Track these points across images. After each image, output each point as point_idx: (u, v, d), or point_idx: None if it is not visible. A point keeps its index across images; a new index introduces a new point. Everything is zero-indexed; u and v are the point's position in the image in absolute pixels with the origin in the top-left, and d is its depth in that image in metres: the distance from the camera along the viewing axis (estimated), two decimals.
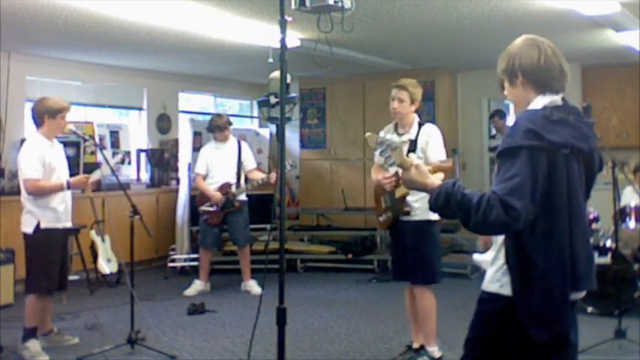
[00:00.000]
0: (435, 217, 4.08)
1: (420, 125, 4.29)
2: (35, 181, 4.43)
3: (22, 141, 5.12)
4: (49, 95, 4.79)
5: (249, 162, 6.72)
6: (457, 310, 5.30)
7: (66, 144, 5.23)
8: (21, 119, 7.10)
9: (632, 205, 5.48)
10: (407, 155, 2.76)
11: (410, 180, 2.25)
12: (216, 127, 6.66)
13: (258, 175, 6.57)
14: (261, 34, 6.00)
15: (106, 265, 6.31)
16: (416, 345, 4.38)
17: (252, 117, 10.69)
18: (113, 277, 6.67)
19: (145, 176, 8.49)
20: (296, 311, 5.67)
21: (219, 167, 6.64)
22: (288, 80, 3.00)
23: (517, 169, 2.00)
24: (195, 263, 7.24)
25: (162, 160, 8.59)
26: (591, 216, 5.42)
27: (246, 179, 6.69)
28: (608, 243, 5.44)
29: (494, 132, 8.96)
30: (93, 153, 7.43)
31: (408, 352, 4.40)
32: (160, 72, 8.64)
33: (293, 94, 3.50)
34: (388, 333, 5.13)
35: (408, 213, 4.18)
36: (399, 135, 4.24)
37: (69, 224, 4.74)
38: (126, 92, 8.51)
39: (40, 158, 4.45)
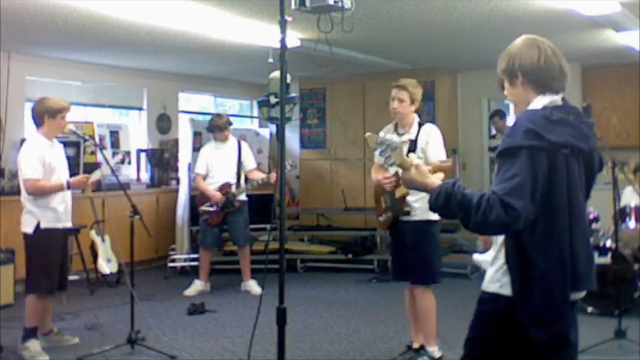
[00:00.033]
0: (435, 217, 4.08)
1: (420, 125, 4.29)
2: (35, 181, 4.44)
3: (22, 141, 5.12)
4: (49, 95, 4.79)
5: (249, 162, 6.72)
6: (457, 310, 5.31)
7: (66, 144, 5.23)
8: (21, 119, 7.10)
9: (632, 205, 5.48)
10: (407, 155, 2.76)
11: (410, 180, 2.25)
12: (217, 128, 6.66)
13: (258, 175, 6.57)
14: (261, 34, 6.00)
15: (106, 265, 6.31)
16: (416, 345, 4.38)
17: (252, 117, 10.69)
18: (113, 277, 6.67)
19: (145, 176, 8.49)
20: (296, 311, 5.67)
21: (219, 167, 6.64)
22: (288, 80, 3.00)
23: (517, 169, 2.00)
24: (195, 263, 7.24)
25: (162, 160, 8.59)
26: (591, 216, 5.42)
27: (246, 179, 6.69)
28: (608, 243, 5.44)
29: (494, 132, 8.96)
30: (93, 153, 7.43)
31: (408, 352, 4.40)
32: (160, 72, 8.64)
33: (293, 94, 3.50)
34: (388, 333, 5.13)
35: (408, 213, 4.18)
36: (399, 135, 4.25)
37: (69, 224, 4.74)
38: (126, 92, 8.51)
39: (40, 158, 4.45)
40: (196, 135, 8.08)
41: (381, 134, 2.54)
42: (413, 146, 4.20)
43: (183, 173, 7.82)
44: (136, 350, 4.58)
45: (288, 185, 9.22)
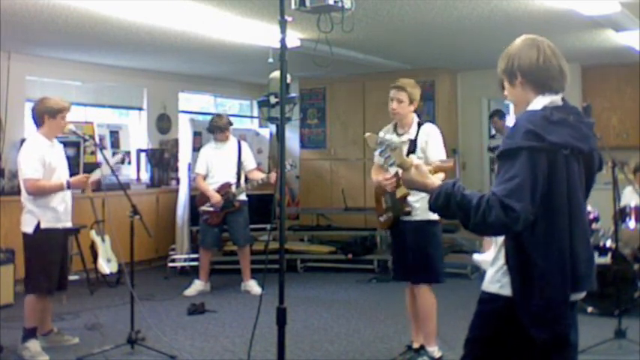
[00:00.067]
0: (435, 217, 4.07)
1: (420, 125, 4.29)
2: (35, 181, 4.44)
3: (22, 141, 5.12)
4: (49, 95, 4.79)
5: (249, 162, 6.72)
6: (457, 310, 5.30)
7: (66, 144, 5.23)
8: (21, 119, 7.10)
9: (632, 205, 5.48)
10: (407, 156, 2.76)
11: (410, 180, 2.25)
12: (217, 128, 6.66)
13: (258, 175, 6.57)
14: (261, 34, 6.00)
15: (106, 265, 6.31)
16: (416, 345, 4.38)
17: (252, 117, 10.69)
18: (113, 277, 6.67)
19: (145, 176, 8.49)
20: (296, 311, 5.67)
21: (219, 167, 6.64)
22: (288, 80, 3.00)
23: (517, 171, 2.00)
24: (195, 263, 7.24)
25: (162, 160, 8.59)
26: (591, 216, 5.42)
27: (246, 179, 6.69)
28: (608, 243, 5.44)
29: (493, 132, 8.96)
30: (93, 153, 7.43)
31: (408, 352, 4.40)
32: (160, 72, 8.64)
33: (293, 94, 3.50)
34: (388, 333, 5.13)
35: (408, 213, 4.18)
36: (399, 135, 4.24)
37: (69, 224, 4.74)
38: (126, 92, 8.51)
39: (40, 158, 4.45)
40: (196, 135, 8.08)
41: (381, 134, 2.54)
42: (413, 146, 4.19)
43: (183, 173, 7.82)
44: (136, 350, 4.58)
45: (288, 185, 9.22)
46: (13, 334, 4.72)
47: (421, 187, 2.23)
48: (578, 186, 2.15)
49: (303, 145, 9.68)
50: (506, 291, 2.15)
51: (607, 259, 5.28)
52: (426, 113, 8.34)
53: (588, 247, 2.21)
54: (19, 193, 4.64)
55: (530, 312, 2.08)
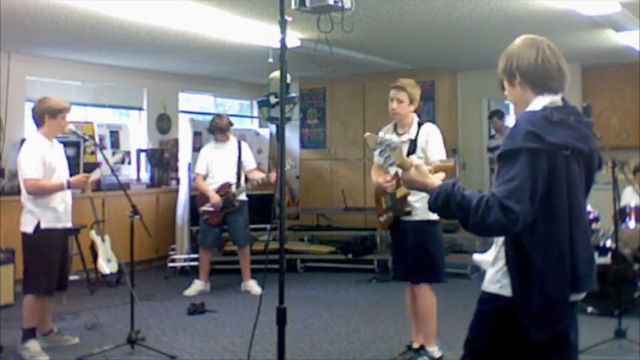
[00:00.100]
0: (436, 216, 4.06)
1: (420, 125, 4.29)
2: (36, 181, 4.44)
3: (22, 141, 5.12)
4: (49, 95, 4.79)
5: (250, 162, 6.72)
6: (457, 310, 5.30)
7: (66, 144, 5.24)
8: (21, 119, 7.10)
9: (632, 205, 5.48)
10: (407, 156, 2.76)
11: (410, 180, 2.25)
12: (218, 129, 6.66)
13: (258, 175, 6.57)
14: (261, 34, 6.00)
15: (106, 265, 6.31)
16: (416, 345, 4.38)
17: (252, 117, 10.69)
18: (113, 277, 6.67)
19: (145, 176, 8.49)
20: (296, 311, 5.67)
21: (219, 167, 6.64)
22: (288, 80, 3.00)
23: (516, 172, 2.00)
24: (195, 263, 7.24)
25: (163, 160, 8.59)
26: (591, 216, 5.42)
27: (246, 179, 6.69)
28: (608, 243, 5.44)
29: (493, 132, 8.96)
30: (93, 153, 7.43)
31: (408, 352, 4.40)
32: (160, 72, 8.64)
33: (293, 94, 3.50)
34: (388, 333, 5.13)
35: (409, 213, 4.18)
36: (399, 135, 4.24)
37: (69, 224, 4.74)
38: (126, 92, 8.51)
39: (40, 158, 4.45)
40: (196, 135, 8.08)
41: (381, 134, 2.54)
42: (413, 146, 4.19)
43: (183, 173, 7.82)
44: (136, 350, 4.58)
45: (288, 185, 9.22)
46: (13, 334, 4.72)
47: (421, 187, 2.23)
48: (579, 186, 2.15)
49: (303, 145, 9.69)
50: (507, 291, 2.15)
51: (607, 259, 5.27)
52: (426, 113, 8.34)
53: (589, 247, 2.21)
54: (19, 193, 4.64)
55: (530, 312, 2.08)
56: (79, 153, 6.97)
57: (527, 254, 2.08)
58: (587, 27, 6.08)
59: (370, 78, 8.87)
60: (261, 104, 3.59)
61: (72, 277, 5.99)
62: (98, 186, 5.83)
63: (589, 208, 4.95)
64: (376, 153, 3.33)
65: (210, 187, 6.59)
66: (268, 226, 7.47)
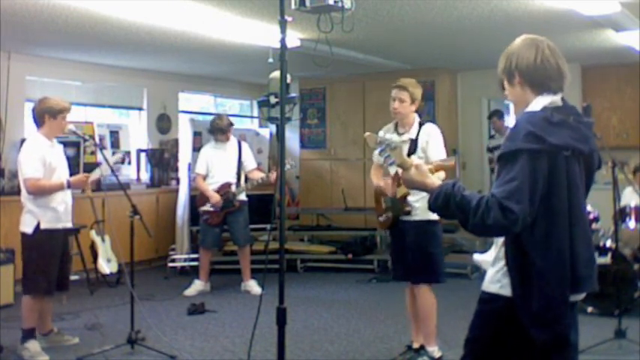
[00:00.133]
0: (435, 216, 4.06)
1: (421, 125, 4.29)
2: (36, 181, 4.43)
3: (22, 141, 5.12)
4: (50, 95, 4.79)
5: (250, 162, 6.72)
6: (457, 310, 5.30)
7: (66, 144, 5.24)
8: (21, 119, 7.10)
9: (632, 205, 5.49)
10: (408, 155, 2.76)
11: (410, 180, 2.25)
12: (218, 130, 6.65)
13: (258, 175, 6.57)
14: (261, 34, 6.00)
15: (106, 265, 6.31)
16: (416, 345, 4.38)
17: (252, 117, 10.69)
18: (113, 277, 6.67)
19: (145, 176, 8.49)
20: (296, 311, 5.67)
21: (219, 167, 6.64)
22: (288, 80, 3.00)
23: (516, 173, 2.00)
24: (195, 263, 7.24)
25: (163, 160, 8.59)
26: (591, 216, 5.42)
27: (246, 179, 6.69)
28: (608, 243, 5.44)
29: (493, 132, 8.96)
30: (93, 153, 7.43)
31: (408, 352, 4.40)
32: (160, 72, 8.64)
33: (293, 94, 3.50)
34: (388, 333, 5.13)
35: (409, 213, 4.18)
36: (399, 134, 4.24)
37: (69, 224, 4.74)
38: (126, 92, 8.51)
39: (40, 158, 4.45)
40: (196, 135, 8.08)
41: (381, 134, 2.55)
42: (413, 146, 4.19)
43: (183, 173, 7.82)
44: (136, 350, 4.58)
45: (288, 185, 9.22)
46: (13, 334, 4.72)
47: (421, 187, 2.23)
48: (579, 187, 2.15)
49: (303, 145, 9.69)
50: (507, 291, 2.15)
51: (607, 259, 5.27)
52: (426, 113, 8.34)
53: (589, 247, 2.21)
54: (19, 193, 4.64)
55: (530, 312, 2.08)
56: (79, 153, 6.97)
57: (527, 254, 2.08)
58: (587, 27, 6.08)
59: (370, 78, 8.87)
60: (261, 104, 3.59)
61: (72, 277, 5.97)
62: (98, 186, 5.83)
63: (589, 208, 4.95)
64: (376, 152, 3.34)
65: (210, 187, 6.59)
66: (268, 226, 7.47)
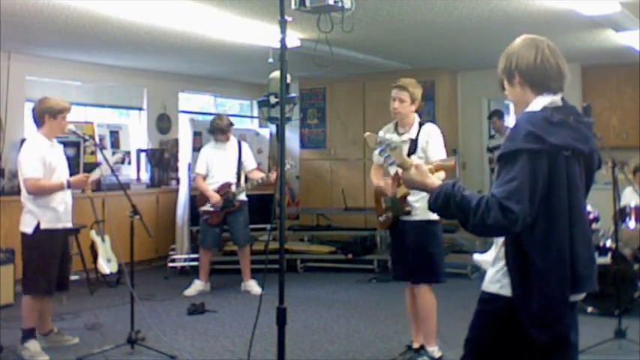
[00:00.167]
0: (435, 216, 4.05)
1: (421, 125, 4.29)
2: (36, 181, 4.43)
3: (22, 141, 5.12)
4: (50, 95, 4.79)
5: (250, 162, 6.72)
6: (457, 310, 5.30)
7: (66, 144, 5.24)
8: (21, 119, 7.10)
9: (632, 205, 5.48)
10: (408, 155, 2.77)
11: (410, 180, 2.25)
12: (218, 130, 6.65)
13: (258, 175, 6.57)
14: (261, 34, 6.00)
15: (106, 265, 6.31)
16: (416, 345, 4.38)
17: (252, 117, 10.69)
18: (113, 277, 6.67)
19: (145, 176, 8.50)
20: (296, 311, 5.67)
21: (219, 167, 6.64)
22: (288, 80, 3.00)
23: (516, 173, 2.00)
24: (195, 263, 7.24)
25: (163, 160, 8.59)
26: (591, 216, 5.42)
27: (246, 179, 6.69)
28: (608, 243, 5.44)
29: (492, 132, 8.96)
30: (93, 153, 7.43)
31: (408, 352, 4.40)
32: (160, 72, 8.64)
33: (293, 94, 3.50)
34: (388, 333, 5.13)
35: (409, 213, 4.18)
36: (399, 134, 4.24)
37: (69, 224, 4.74)
38: (126, 92, 8.51)
39: (40, 158, 4.45)
40: (196, 135, 8.08)
41: (381, 133, 2.55)
42: (413, 146, 4.19)
43: (183, 173, 7.82)
44: (136, 350, 4.58)
45: (288, 185, 9.22)
46: (13, 334, 4.72)
47: (421, 187, 2.23)
48: (579, 187, 2.15)
49: (303, 145, 9.69)
50: (507, 291, 2.15)
51: (607, 259, 5.27)
52: (426, 113, 8.34)
53: (589, 247, 2.21)
54: (19, 193, 4.64)
55: (530, 312, 2.08)
56: (79, 153, 6.97)
57: (527, 254, 2.08)
58: (587, 27, 6.08)
59: (370, 78, 8.87)
60: (261, 104, 3.59)
61: (72, 277, 5.98)
62: (98, 186, 5.83)
63: (589, 208, 4.95)
64: (376, 152, 3.34)
65: (210, 187, 6.59)
66: (268, 226, 7.47)
